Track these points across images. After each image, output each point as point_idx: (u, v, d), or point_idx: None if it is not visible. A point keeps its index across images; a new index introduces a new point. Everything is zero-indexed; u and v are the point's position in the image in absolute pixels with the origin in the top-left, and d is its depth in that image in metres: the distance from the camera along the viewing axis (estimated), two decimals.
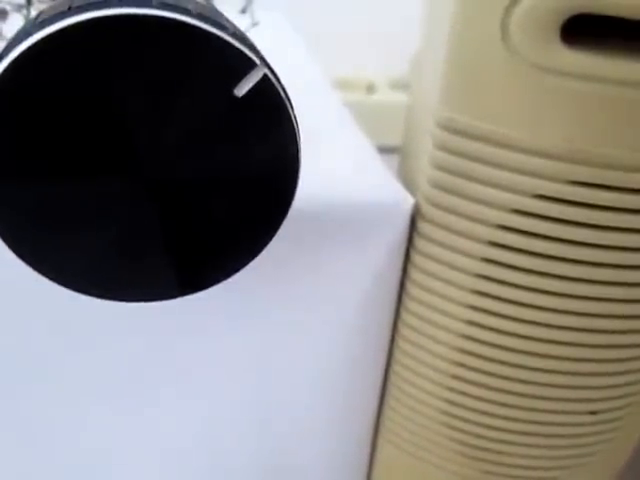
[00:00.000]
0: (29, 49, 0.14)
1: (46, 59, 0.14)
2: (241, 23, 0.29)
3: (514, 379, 0.27)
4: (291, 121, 0.16)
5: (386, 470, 0.34)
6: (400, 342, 0.29)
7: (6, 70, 0.14)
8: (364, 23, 0.78)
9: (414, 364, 0.29)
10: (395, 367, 0.30)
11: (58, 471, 0.29)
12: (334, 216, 0.26)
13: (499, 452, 0.30)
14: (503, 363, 0.27)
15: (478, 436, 0.29)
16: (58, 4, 0.16)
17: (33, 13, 0.29)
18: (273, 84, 0.16)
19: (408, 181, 0.28)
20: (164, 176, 0.16)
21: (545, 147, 0.23)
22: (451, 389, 0.28)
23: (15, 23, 0.27)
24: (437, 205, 0.26)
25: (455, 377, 0.28)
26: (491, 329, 0.27)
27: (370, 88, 0.78)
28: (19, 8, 0.28)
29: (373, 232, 0.26)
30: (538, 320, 0.26)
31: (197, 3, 0.17)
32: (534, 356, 0.27)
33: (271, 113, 0.16)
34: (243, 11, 0.29)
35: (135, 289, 0.17)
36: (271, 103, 0.16)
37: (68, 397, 0.27)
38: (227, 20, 0.17)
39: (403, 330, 0.29)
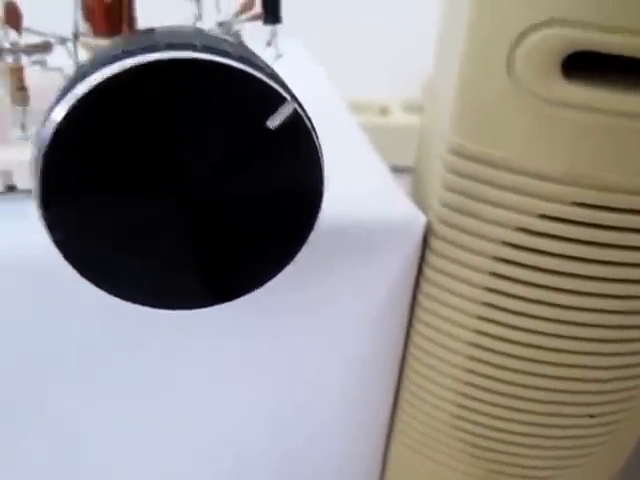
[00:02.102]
0: (91, 90, 0.16)
1: (106, 98, 0.16)
2: (267, 55, 0.32)
3: (521, 385, 0.29)
4: (317, 149, 0.18)
5: (399, 470, 0.36)
6: (413, 350, 0.31)
7: (73, 107, 0.16)
8: (378, 47, 0.80)
9: (427, 371, 0.31)
10: (408, 373, 0.32)
11: (87, 469, 0.31)
12: (352, 233, 0.28)
13: (506, 453, 0.31)
14: (510, 370, 0.29)
15: (487, 438, 0.31)
16: (112, 46, 0.18)
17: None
18: (302, 117, 0.18)
19: (420, 200, 0.30)
20: (206, 197, 0.18)
21: (548, 171, 0.25)
22: (462, 394, 0.30)
23: (58, 55, 0.30)
24: (448, 223, 0.28)
25: (466, 383, 0.30)
26: (499, 338, 0.28)
27: (383, 110, 0.80)
28: (62, 41, 0.30)
29: (388, 249, 0.28)
30: (542, 330, 0.28)
31: (233, 44, 0.19)
32: (539, 363, 0.28)
33: (300, 143, 0.18)
34: (268, 44, 0.32)
35: (173, 298, 0.19)
36: (300, 134, 0.18)
37: (108, 395, 0.29)
38: (260, 59, 0.19)
39: (416, 339, 0.31)
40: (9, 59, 0.27)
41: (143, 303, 0.19)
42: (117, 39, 0.19)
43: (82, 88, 0.16)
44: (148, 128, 0.17)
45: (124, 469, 0.32)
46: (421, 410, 0.32)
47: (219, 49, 0.17)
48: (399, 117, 0.82)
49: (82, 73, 0.17)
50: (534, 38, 0.23)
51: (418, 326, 0.30)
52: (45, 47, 0.29)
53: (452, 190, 0.27)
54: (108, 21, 0.29)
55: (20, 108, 0.27)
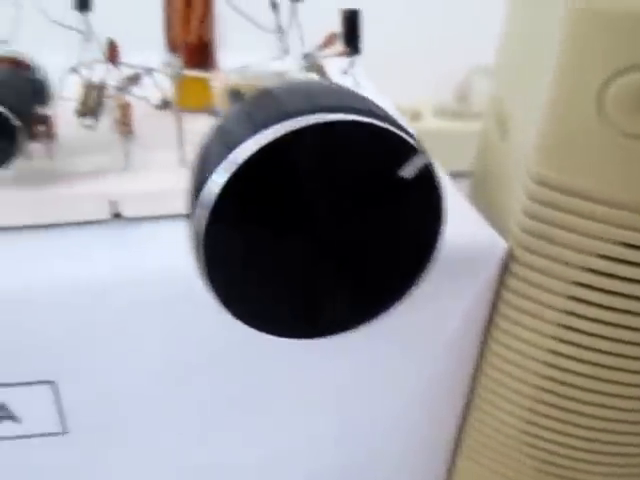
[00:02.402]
0: (251, 157, 0.17)
1: (265, 162, 0.17)
2: (345, 82, 0.33)
3: (592, 403, 0.30)
4: (442, 196, 0.20)
5: None
6: (487, 370, 0.33)
7: (235, 174, 0.17)
8: (411, 52, 0.81)
9: (500, 389, 0.32)
10: (480, 392, 0.33)
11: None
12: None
13: (573, 469, 0.33)
14: (582, 389, 0.30)
15: (554, 454, 0.32)
16: (249, 107, 0.20)
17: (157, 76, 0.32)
18: (432, 167, 0.19)
19: (494, 217, 0.32)
20: (345, 238, 0.19)
21: (627, 201, 0.26)
22: (533, 411, 0.32)
23: (146, 84, 0.31)
24: (528, 249, 0.29)
25: (538, 401, 0.31)
26: (572, 358, 0.30)
27: (415, 116, 0.81)
28: (149, 71, 0.31)
29: (468, 273, 0.30)
30: (616, 351, 0.29)
31: (351, 94, 0.21)
32: (612, 384, 0.30)
33: (428, 190, 0.19)
34: (345, 72, 0.33)
35: (306, 328, 0.21)
36: (429, 182, 0.19)
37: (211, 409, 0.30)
38: (382, 108, 0.21)
39: (491, 359, 0.32)
40: (112, 93, 0.28)
41: (279, 334, 0.21)
42: (246, 100, 0.20)
43: (242, 154, 0.17)
44: (298, 183, 0.18)
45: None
46: (491, 426, 0.34)
47: (350, 107, 0.19)
48: (431, 122, 0.83)
49: (233, 136, 0.18)
50: (622, 81, 0.24)
51: (494, 346, 0.32)
52: (136, 79, 0.30)
53: (533, 217, 0.28)
54: (199, 55, 0.30)
55: (124, 141, 0.28)
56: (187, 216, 0.19)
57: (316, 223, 0.19)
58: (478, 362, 0.33)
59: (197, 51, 0.30)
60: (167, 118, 0.31)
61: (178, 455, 0.32)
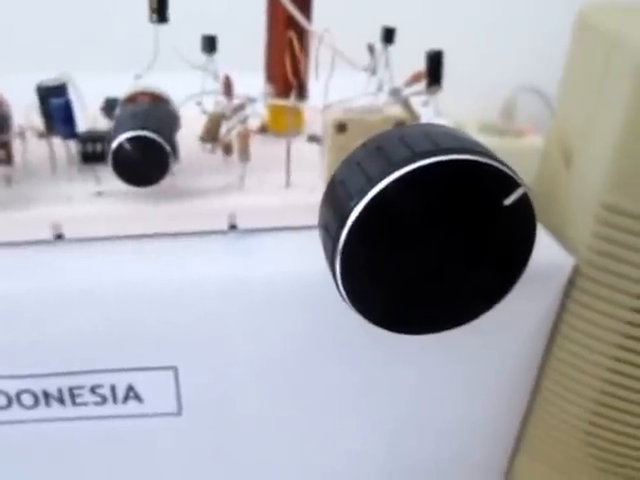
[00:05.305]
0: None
1: (392, 198, 0.22)
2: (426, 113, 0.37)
3: None
4: (535, 218, 0.23)
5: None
6: (552, 369, 0.36)
7: (368, 206, 0.21)
8: (457, 68, 0.84)
9: (562, 390, 0.36)
10: (544, 390, 0.37)
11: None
12: None
13: (631, 467, 0.36)
14: None
15: (618, 454, 0.36)
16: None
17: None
18: (528, 196, 0.23)
19: (557, 235, 0.35)
20: (454, 253, 0.23)
21: None
22: (596, 413, 0.35)
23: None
24: (595, 265, 0.32)
25: (601, 404, 0.35)
26: (637, 366, 0.33)
27: None
28: (251, 101, 0.35)
29: (541, 284, 0.33)
30: None
31: (460, 136, 0.25)
32: None
33: (524, 215, 0.23)
34: (425, 104, 0.37)
35: (414, 326, 0.25)
36: (526, 209, 0.23)
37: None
38: (486, 148, 0.24)
39: (554, 362, 0.36)
40: (232, 123, 0.33)
41: (395, 330, 0.25)
42: (376, 140, 0.24)
43: (378, 185, 0.21)
44: (420, 209, 0.22)
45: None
46: (553, 426, 0.37)
47: (467, 148, 0.23)
48: (476, 138, 0.86)
49: (370, 168, 0.23)
50: None
51: (557, 352, 0.35)
52: (241, 107, 0.34)
53: (603, 239, 0.32)
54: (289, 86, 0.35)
55: (243, 164, 0.33)
56: (324, 232, 0.24)
57: (432, 242, 0.23)
58: (543, 362, 0.36)
59: (292, 83, 0.34)
60: (260, 140, 0.35)
61: (280, 438, 0.36)
